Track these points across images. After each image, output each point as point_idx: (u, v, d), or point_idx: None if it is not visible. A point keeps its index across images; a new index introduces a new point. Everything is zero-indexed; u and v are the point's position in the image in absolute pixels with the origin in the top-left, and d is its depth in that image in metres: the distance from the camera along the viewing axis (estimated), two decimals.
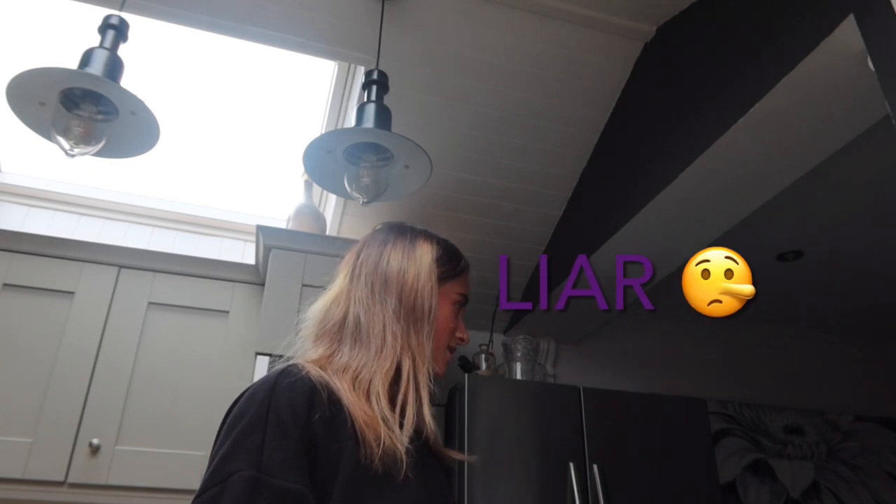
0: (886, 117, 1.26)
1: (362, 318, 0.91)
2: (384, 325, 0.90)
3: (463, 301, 1.02)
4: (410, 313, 0.92)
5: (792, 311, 3.32)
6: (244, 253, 2.61)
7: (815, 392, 3.38)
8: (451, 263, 1.02)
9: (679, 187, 1.88)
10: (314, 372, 0.82)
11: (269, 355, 1.91)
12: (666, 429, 2.34)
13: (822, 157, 1.75)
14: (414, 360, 0.89)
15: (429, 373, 0.90)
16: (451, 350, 1.00)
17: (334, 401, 0.80)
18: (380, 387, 0.84)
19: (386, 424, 0.80)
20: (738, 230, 2.11)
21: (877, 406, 3.42)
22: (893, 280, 2.92)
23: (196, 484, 2.13)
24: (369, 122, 1.60)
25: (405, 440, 0.80)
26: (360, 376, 0.84)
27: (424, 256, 0.99)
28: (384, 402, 0.82)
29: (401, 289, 0.94)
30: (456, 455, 0.95)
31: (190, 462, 1.94)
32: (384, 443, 0.77)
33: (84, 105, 1.46)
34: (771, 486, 3.11)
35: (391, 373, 0.86)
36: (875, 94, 1.32)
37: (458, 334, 1.00)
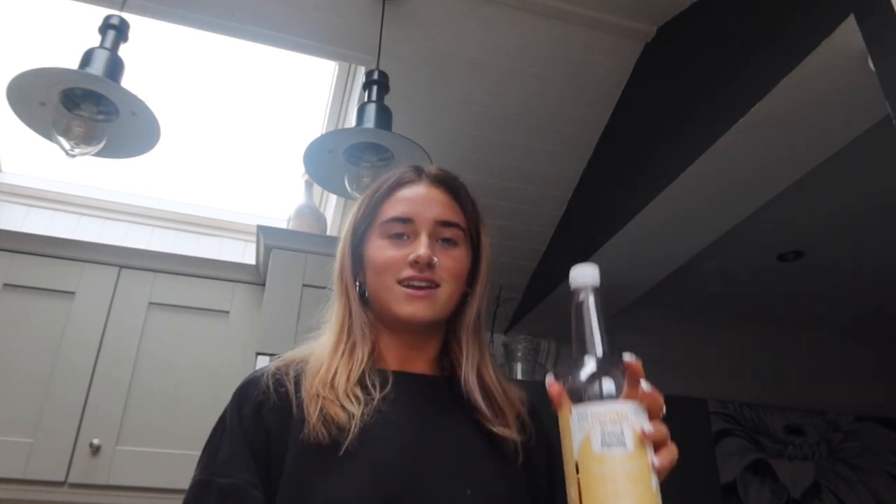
0: (886, 117, 1.26)
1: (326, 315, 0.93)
2: (332, 311, 0.91)
3: (397, 222, 0.88)
4: (336, 286, 0.92)
5: (792, 311, 3.32)
6: (244, 253, 2.61)
7: (816, 392, 3.37)
8: (366, 208, 0.93)
9: (680, 187, 1.88)
10: (275, 365, 0.85)
11: (270, 355, 1.91)
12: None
13: (822, 157, 1.74)
14: (344, 326, 0.87)
15: (360, 327, 0.87)
16: (409, 283, 0.84)
17: (281, 392, 0.80)
18: (332, 363, 0.83)
19: (329, 394, 0.78)
20: (738, 230, 2.11)
21: (877, 406, 3.42)
22: (894, 280, 2.92)
23: None
24: (370, 122, 1.60)
25: (350, 405, 0.77)
26: (314, 357, 0.86)
27: (346, 224, 0.95)
28: (338, 377, 0.81)
29: (335, 271, 0.94)
30: (503, 431, 0.84)
31: (190, 462, 1.92)
32: (322, 409, 0.77)
33: (84, 105, 1.47)
34: (771, 487, 3.11)
35: (338, 346, 0.85)
36: (875, 94, 1.32)
37: (411, 257, 0.84)
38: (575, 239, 2.45)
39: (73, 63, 1.44)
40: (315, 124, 2.38)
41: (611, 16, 1.95)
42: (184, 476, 1.95)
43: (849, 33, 1.33)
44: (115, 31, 1.50)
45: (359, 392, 0.79)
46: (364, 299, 0.90)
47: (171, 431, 1.97)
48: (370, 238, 0.90)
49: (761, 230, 2.53)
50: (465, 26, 1.96)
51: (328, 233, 2.42)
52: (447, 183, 0.93)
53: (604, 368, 0.64)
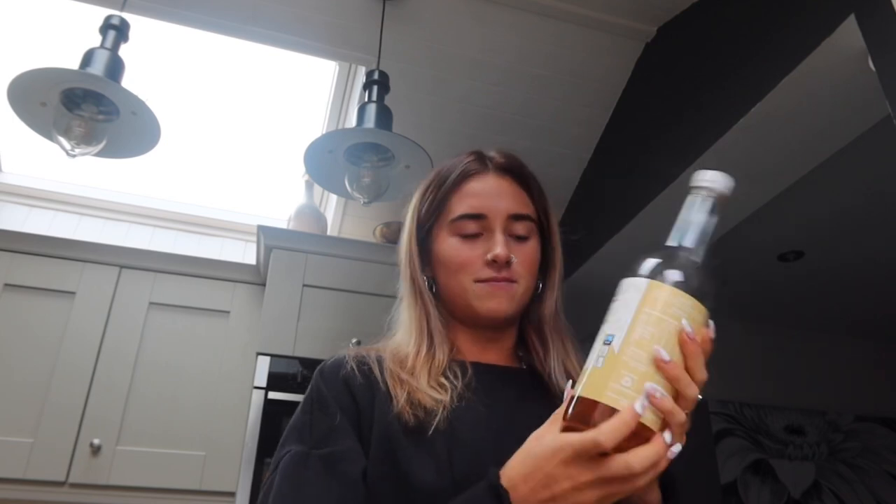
0: (887, 117, 1.26)
1: (397, 312, 0.91)
2: (402, 311, 0.89)
3: (469, 220, 0.84)
4: (407, 286, 0.88)
5: (792, 311, 3.32)
6: (245, 253, 2.61)
7: (816, 392, 3.38)
8: (431, 197, 0.88)
9: (681, 187, 1.88)
10: (354, 350, 0.84)
11: (270, 355, 1.92)
12: None
13: (823, 157, 1.75)
14: (423, 330, 0.84)
15: (438, 329, 0.84)
16: (489, 280, 0.82)
17: (365, 370, 0.80)
18: (415, 364, 0.81)
19: (412, 381, 0.78)
20: (739, 230, 2.11)
21: (877, 406, 3.42)
22: (894, 280, 2.92)
23: (197, 484, 2.11)
24: (370, 122, 1.61)
25: (435, 393, 0.76)
26: (397, 354, 0.84)
27: (408, 214, 0.91)
28: (417, 370, 0.80)
29: (401, 268, 0.90)
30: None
31: (191, 462, 1.94)
32: (409, 394, 0.76)
33: (85, 105, 1.47)
34: (772, 487, 3.11)
35: (419, 350, 0.83)
36: (875, 94, 1.32)
37: (489, 256, 0.82)
38: (576, 239, 2.45)
39: (73, 63, 1.44)
40: (315, 124, 2.38)
41: (611, 16, 1.95)
42: (184, 476, 1.96)
43: (849, 33, 1.33)
44: (116, 31, 1.50)
45: (443, 380, 0.78)
46: (434, 294, 0.87)
47: (172, 431, 1.97)
48: (439, 235, 0.87)
49: (762, 230, 2.53)
50: (465, 26, 1.96)
51: (328, 233, 2.42)
52: (515, 172, 0.89)
53: (681, 259, 0.62)
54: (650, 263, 0.62)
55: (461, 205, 0.85)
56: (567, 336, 0.88)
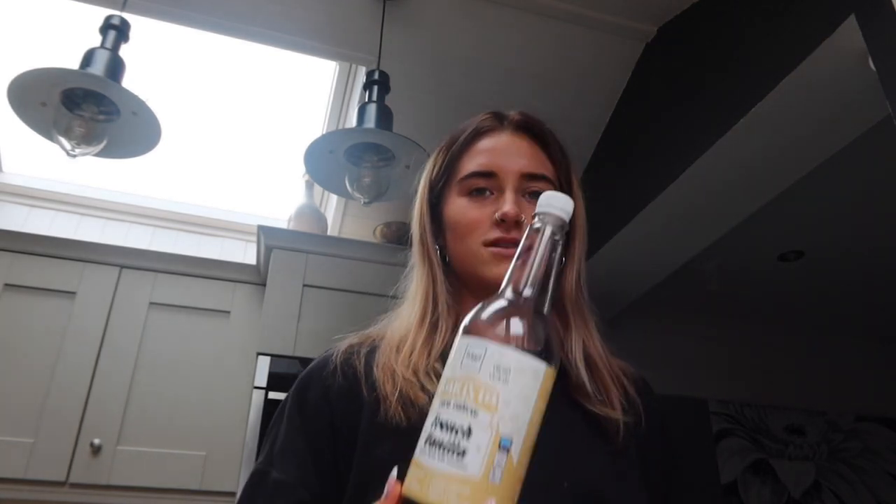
0: (887, 117, 1.26)
1: (406, 281, 0.85)
2: (412, 281, 0.82)
3: (478, 178, 0.78)
4: (416, 250, 0.82)
5: (792, 310, 3.32)
6: (245, 253, 2.61)
7: (816, 392, 3.37)
8: (442, 163, 0.83)
9: (680, 188, 1.88)
10: (348, 342, 0.79)
11: (270, 355, 1.92)
12: (666, 429, 2.34)
13: (823, 157, 1.74)
14: (428, 296, 0.78)
15: (443, 297, 0.77)
16: (498, 243, 0.74)
17: (349, 374, 0.74)
18: (415, 339, 0.74)
19: (408, 373, 0.70)
20: (739, 230, 2.11)
21: (878, 406, 3.42)
22: (894, 280, 2.92)
23: (197, 484, 2.12)
24: (370, 122, 1.61)
25: (431, 384, 0.68)
26: (391, 331, 0.78)
27: (421, 177, 0.86)
28: (417, 354, 0.73)
29: (412, 232, 0.84)
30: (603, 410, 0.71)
31: (191, 462, 1.94)
32: (401, 390, 0.69)
33: (85, 105, 1.47)
34: (772, 487, 3.11)
35: (423, 320, 0.76)
36: (875, 94, 1.32)
37: (497, 215, 0.74)
38: None
39: (74, 63, 1.44)
40: (316, 124, 2.38)
41: (611, 16, 1.95)
42: (185, 476, 1.97)
43: (849, 33, 1.33)
44: (116, 31, 1.51)
45: (441, 369, 0.69)
46: (446, 263, 0.81)
47: (172, 431, 1.97)
48: (449, 196, 0.81)
49: (761, 230, 2.53)
50: (465, 26, 1.96)
51: (329, 233, 2.43)
52: (532, 129, 0.83)
53: (519, 309, 0.52)
54: (543, 339, 0.50)
55: (471, 163, 0.80)
56: (590, 315, 0.80)
